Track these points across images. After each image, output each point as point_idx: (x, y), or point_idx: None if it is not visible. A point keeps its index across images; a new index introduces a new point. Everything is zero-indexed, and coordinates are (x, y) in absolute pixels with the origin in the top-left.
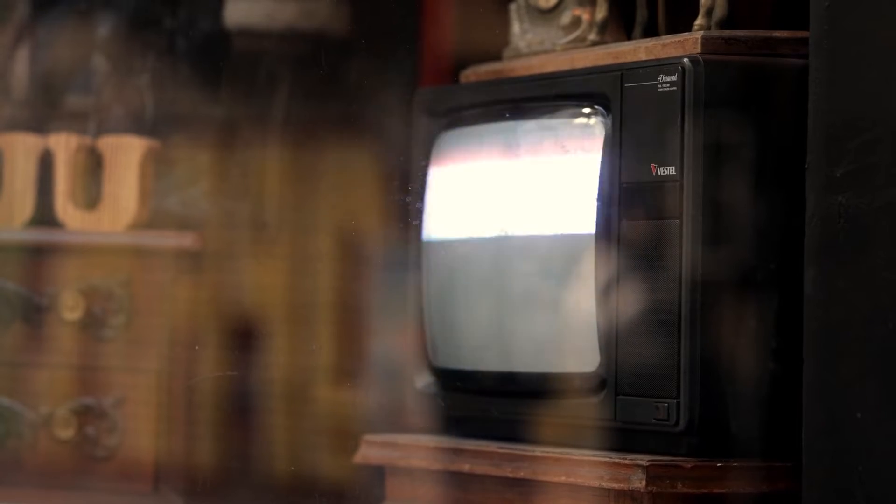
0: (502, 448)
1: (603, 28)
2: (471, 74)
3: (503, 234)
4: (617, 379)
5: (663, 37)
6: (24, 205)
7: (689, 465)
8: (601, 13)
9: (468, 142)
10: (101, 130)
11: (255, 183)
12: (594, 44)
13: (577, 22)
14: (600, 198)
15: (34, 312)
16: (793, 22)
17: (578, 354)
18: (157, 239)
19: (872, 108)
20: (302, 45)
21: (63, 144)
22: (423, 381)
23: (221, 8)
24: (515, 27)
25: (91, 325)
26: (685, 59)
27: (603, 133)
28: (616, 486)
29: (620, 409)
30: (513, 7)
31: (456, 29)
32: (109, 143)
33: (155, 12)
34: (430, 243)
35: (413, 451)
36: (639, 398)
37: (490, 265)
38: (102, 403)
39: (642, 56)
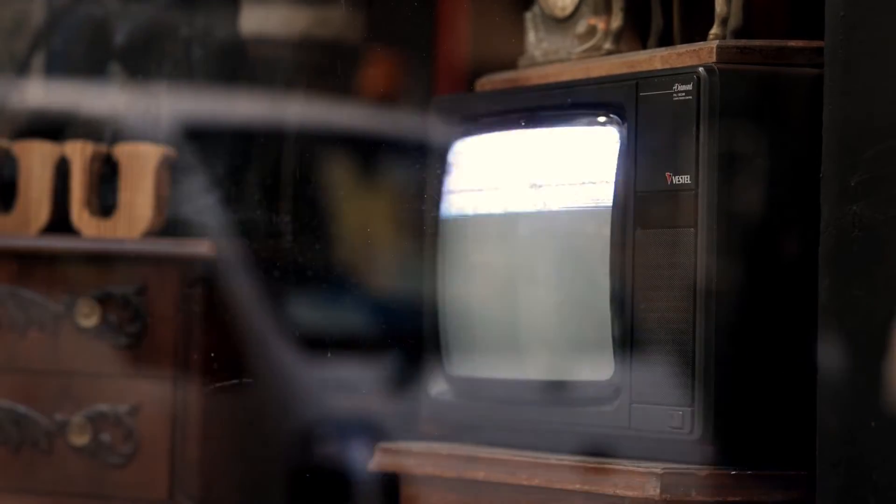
0: (517, 455)
1: (618, 37)
2: (486, 83)
3: (519, 244)
4: (632, 387)
5: (678, 46)
6: (40, 212)
7: (704, 474)
8: (616, 22)
9: (483, 151)
10: (117, 138)
11: (270, 191)
12: (609, 53)
13: (592, 31)
14: (615, 206)
15: (50, 320)
16: (808, 31)
17: (593, 362)
18: (172, 247)
19: (887, 117)
20: (317, 53)
21: (79, 152)
22: (438, 388)
23: (237, 16)
24: (531, 36)
25: (106, 332)
26: (700, 69)
27: (618, 142)
28: (631, 493)
29: (635, 417)
30: (528, 16)
31: (471, 37)
32: (125, 151)
33: (171, 20)
34: (446, 253)
35: (428, 459)
36: (654, 406)
37: (505, 275)
38: (117, 411)
39: (657, 65)
